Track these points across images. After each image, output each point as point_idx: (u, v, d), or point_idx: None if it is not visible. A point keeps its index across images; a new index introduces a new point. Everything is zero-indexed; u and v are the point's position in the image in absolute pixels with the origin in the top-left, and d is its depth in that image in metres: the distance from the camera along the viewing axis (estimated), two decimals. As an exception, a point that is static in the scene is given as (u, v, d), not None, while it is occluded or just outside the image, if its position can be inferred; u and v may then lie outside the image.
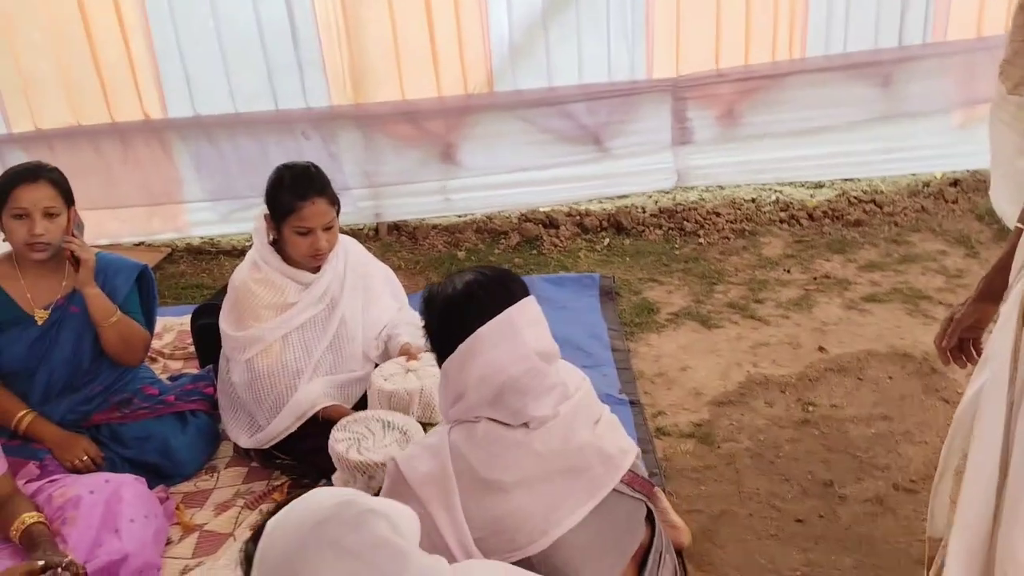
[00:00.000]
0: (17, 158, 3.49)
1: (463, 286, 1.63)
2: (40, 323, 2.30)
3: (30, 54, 3.78)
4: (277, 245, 2.41)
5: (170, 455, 2.40)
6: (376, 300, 2.60)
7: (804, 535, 2.21)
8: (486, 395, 1.57)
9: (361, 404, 2.46)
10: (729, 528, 2.25)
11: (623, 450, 1.71)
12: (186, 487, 2.42)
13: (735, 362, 3.03)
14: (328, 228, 2.32)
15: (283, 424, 2.36)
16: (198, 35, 3.80)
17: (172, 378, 2.77)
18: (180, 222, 4.24)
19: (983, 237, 3.94)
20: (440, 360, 1.65)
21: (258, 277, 2.39)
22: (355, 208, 4.17)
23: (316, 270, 2.42)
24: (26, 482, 2.13)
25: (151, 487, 2.23)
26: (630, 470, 1.70)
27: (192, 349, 3.10)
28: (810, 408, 2.75)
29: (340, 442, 2.06)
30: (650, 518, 1.78)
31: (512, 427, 1.58)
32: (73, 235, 2.28)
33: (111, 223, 4.14)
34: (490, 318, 1.56)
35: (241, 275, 2.43)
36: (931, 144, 4.42)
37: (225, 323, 2.43)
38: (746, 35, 4.14)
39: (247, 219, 4.07)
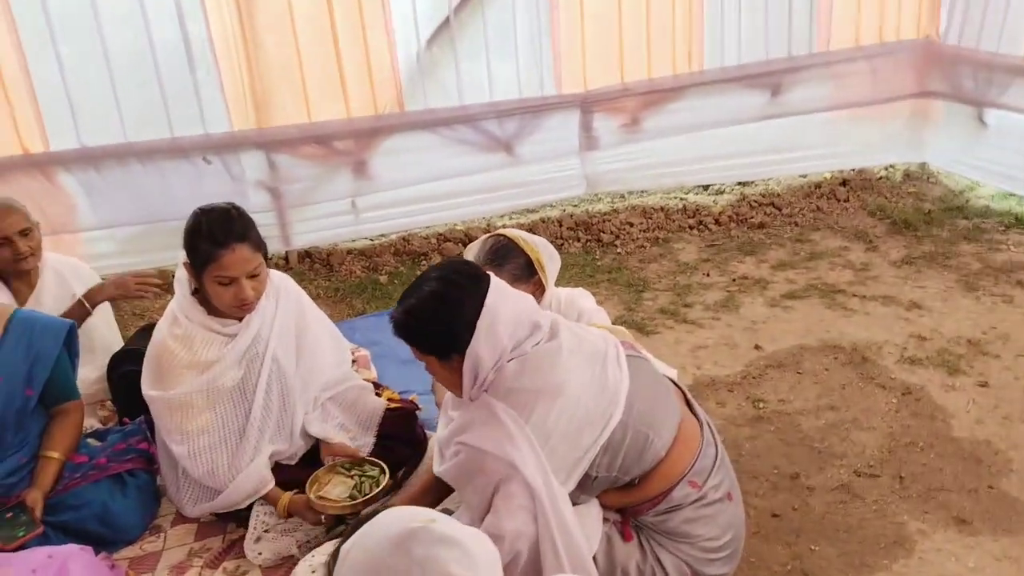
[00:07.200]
0: None
1: (436, 283, 1.76)
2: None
3: None
4: (201, 295, 2.17)
5: (110, 521, 2.17)
6: (312, 353, 2.32)
7: (784, 529, 2.25)
8: (519, 339, 1.77)
9: (309, 455, 2.31)
10: (713, 531, 2.25)
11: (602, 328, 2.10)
12: (130, 552, 2.19)
13: (679, 365, 3.07)
14: (253, 276, 2.08)
15: (231, 501, 2.16)
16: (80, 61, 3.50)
17: (95, 435, 2.48)
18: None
19: (879, 231, 4.21)
20: (449, 353, 1.75)
21: (178, 333, 2.15)
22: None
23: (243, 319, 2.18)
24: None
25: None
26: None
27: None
28: (760, 405, 2.82)
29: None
30: None
31: (536, 344, 1.79)
32: None
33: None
34: (478, 290, 1.74)
35: (160, 331, 2.18)
36: (818, 144, 4.71)
37: (146, 384, 2.20)
38: (648, 50, 4.27)
39: (147, 249, 3.80)
